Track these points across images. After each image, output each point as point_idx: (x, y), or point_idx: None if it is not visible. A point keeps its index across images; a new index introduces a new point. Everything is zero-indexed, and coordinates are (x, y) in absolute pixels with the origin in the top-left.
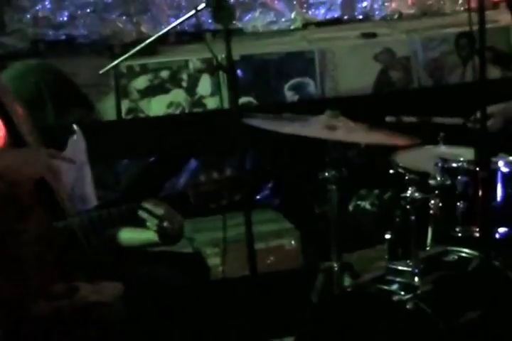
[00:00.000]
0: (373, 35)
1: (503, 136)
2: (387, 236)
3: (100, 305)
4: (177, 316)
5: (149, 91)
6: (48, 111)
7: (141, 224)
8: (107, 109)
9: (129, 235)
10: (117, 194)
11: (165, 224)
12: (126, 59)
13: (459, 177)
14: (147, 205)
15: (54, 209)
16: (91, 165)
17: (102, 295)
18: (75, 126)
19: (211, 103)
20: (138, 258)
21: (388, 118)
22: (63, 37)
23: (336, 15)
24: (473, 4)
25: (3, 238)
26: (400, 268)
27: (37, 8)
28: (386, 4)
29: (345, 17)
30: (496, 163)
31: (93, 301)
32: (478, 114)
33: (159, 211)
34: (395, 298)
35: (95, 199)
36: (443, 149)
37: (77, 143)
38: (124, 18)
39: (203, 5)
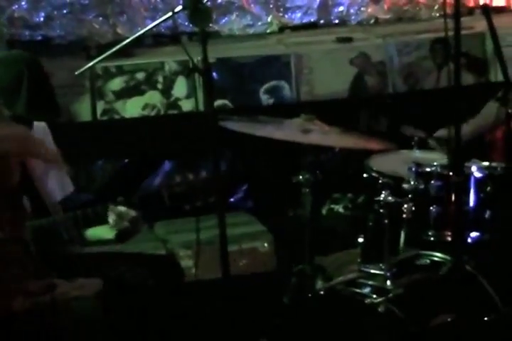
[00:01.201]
0: (349, 40)
1: (475, 142)
2: (360, 240)
3: (81, 300)
4: (150, 316)
5: (125, 93)
6: (20, 102)
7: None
8: (83, 110)
9: (90, 232)
10: (91, 194)
11: (126, 224)
12: (102, 60)
13: (433, 182)
14: (119, 207)
15: (37, 205)
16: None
17: (83, 291)
18: (42, 123)
19: (186, 105)
20: (112, 258)
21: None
22: (39, 37)
23: (312, 20)
24: (449, 10)
25: None
26: (372, 271)
27: (13, 8)
28: (362, 9)
29: (322, 21)
30: (469, 168)
31: (74, 296)
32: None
33: (128, 212)
34: (367, 301)
35: (72, 185)
36: (417, 154)
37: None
38: (101, 19)
39: (179, 7)
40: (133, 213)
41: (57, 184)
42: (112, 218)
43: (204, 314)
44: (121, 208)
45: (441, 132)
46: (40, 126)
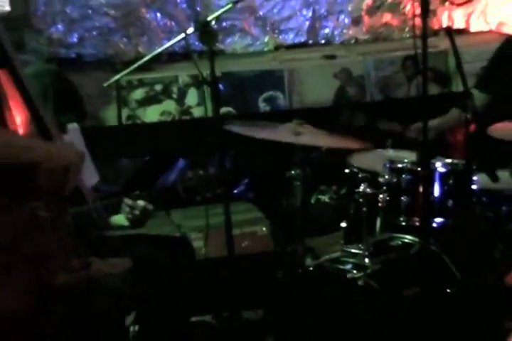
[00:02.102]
0: (333, 57)
1: (440, 142)
2: (343, 225)
3: (112, 276)
4: (167, 289)
5: (145, 102)
6: (48, 110)
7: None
8: (110, 116)
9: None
10: (117, 186)
11: (136, 212)
12: (126, 74)
13: (403, 176)
14: (129, 200)
15: (76, 197)
16: (97, 163)
17: (113, 268)
18: (75, 125)
19: (197, 112)
20: (137, 240)
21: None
22: (73, 55)
23: (302, 40)
24: (418, 32)
25: (32, 224)
26: (353, 251)
27: (51, 30)
28: (344, 31)
29: (310, 41)
30: (435, 164)
31: (106, 273)
32: (416, 125)
33: (139, 204)
34: (349, 275)
35: (97, 175)
36: (390, 152)
37: (74, 139)
38: (125, 40)
39: (191, 29)
40: (142, 203)
41: (87, 175)
42: (125, 209)
43: (212, 286)
44: (129, 201)
45: (416, 126)
46: (72, 129)
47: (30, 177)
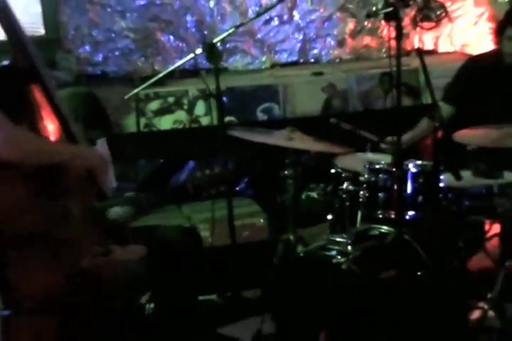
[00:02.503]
0: (321, 74)
1: (412, 147)
2: (329, 217)
3: (130, 261)
4: (178, 272)
5: (160, 112)
6: (79, 127)
7: None
8: (130, 124)
9: None
10: (136, 185)
11: None
12: (143, 88)
13: (380, 175)
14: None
15: (98, 194)
16: (118, 164)
17: (131, 254)
18: (102, 140)
19: (204, 121)
20: (152, 230)
21: (332, 120)
22: (99, 72)
23: (294, 59)
24: (393, 52)
25: (63, 217)
26: (337, 239)
27: (80, 51)
28: (330, 52)
29: (301, 60)
30: (407, 165)
31: (125, 258)
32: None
33: None
34: (334, 260)
35: (115, 181)
36: (369, 155)
37: (101, 149)
38: (143, 59)
39: (199, 50)
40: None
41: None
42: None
43: (216, 269)
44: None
45: (389, 138)
46: (100, 141)
47: (60, 177)
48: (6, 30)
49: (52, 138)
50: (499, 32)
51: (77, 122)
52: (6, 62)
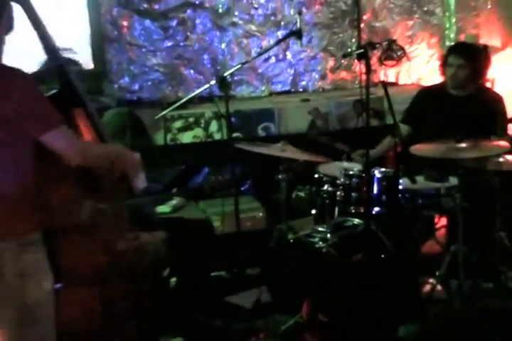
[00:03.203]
0: (308, 100)
1: (378, 159)
2: (313, 212)
3: (154, 244)
4: (195, 253)
5: (182, 129)
6: (127, 139)
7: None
8: (159, 138)
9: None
10: (163, 186)
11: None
12: (169, 111)
13: (353, 179)
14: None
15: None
16: (149, 170)
17: (154, 239)
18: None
19: (217, 136)
20: (174, 220)
21: (310, 132)
22: (135, 98)
23: (287, 89)
24: (363, 84)
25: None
26: (320, 229)
27: (121, 81)
28: (315, 83)
29: (292, 90)
30: (374, 171)
31: (149, 242)
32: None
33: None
34: (317, 245)
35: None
36: (345, 164)
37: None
38: (169, 88)
39: (213, 81)
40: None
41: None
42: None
43: (225, 251)
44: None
45: (359, 151)
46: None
47: (99, 176)
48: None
49: None
50: (443, 62)
51: (125, 135)
52: (54, 90)
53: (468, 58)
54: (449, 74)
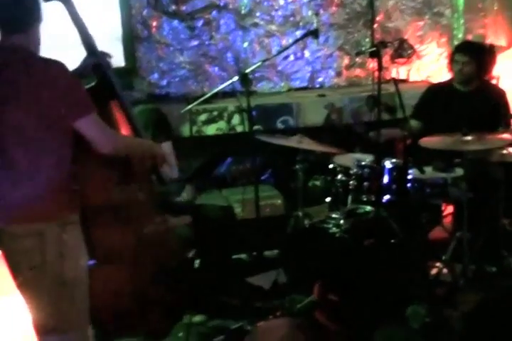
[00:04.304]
0: (324, 96)
1: (389, 149)
2: (328, 199)
3: (180, 227)
4: (218, 237)
5: (207, 122)
6: (149, 134)
7: None
8: (185, 130)
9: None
10: (189, 175)
11: None
12: (195, 105)
13: (365, 170)
14: None
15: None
16: (177, 159)
17: (181, 222)
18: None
19: (239, 129)
20: (199, 206)
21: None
22: (164, 93)
23: (305, 85)
24: (376, 80)
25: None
26: (334, 215)
27: (150, 77)
28: (331, 80)
29: (310, 86)
30: (385, 162)
31: (176, 225)
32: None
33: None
34: (331, 231)
35: (177, 172)
36: (358, 155)
37: (167, 148)
38: (195, 83)
39: (236, 78)
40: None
41: (170, 170)
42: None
43: (246, 235)
44: None
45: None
46: (166, 145)
47: (131, 165)
48: (99, 72)
49: None
50: (450, 59)
51: (147, 130)
52: (92, 84)
53: (472, 56)
54: (455, 70)
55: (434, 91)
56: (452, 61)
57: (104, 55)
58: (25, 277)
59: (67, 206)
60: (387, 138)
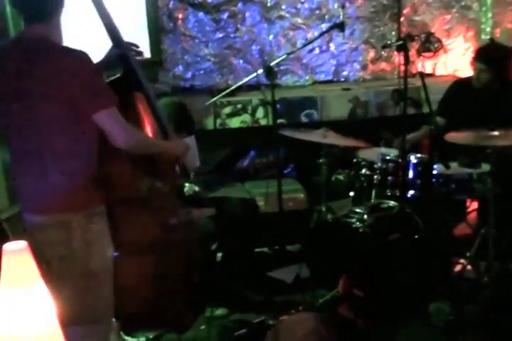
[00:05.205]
0: (349, 89)
1: (414, 145)
2: (351, 194)
3: (203, 219)
4: (240, 230)
5: (231, 115)
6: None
7: None
8: (209, 123)
9: None
10: (213, 167)
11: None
12: (219, 97)
13: (390, 164)
14: None
15: (183, 172)
16: (200, 152)
17: (204, 214)
18: (192, 136)
19: (263, 122)
20: (223, 199)
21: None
22: (188, 85)
23: (329, 78)
24: (402, 74)
25: (159, 187)
26: (357, 210)
27: (175, 70)
28: (356, 73)
29: (335, 79)
30: (410, 157)
31: (199, 216)
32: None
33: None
34: (354, 225)
35: (198, 162)
36: (382, 149)
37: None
38: (220, 76)
39: (261, 71)
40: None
41: (191, 162)
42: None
43: (269, 229)
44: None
45: (397, 140)
46: (189, 139)
47: (156, 161)
48: (124, 63)
49: (151, 134)
50: (472, 63)
51: (170, 124)
52: (118, 75)
53: (490, 64)
54: (474, 74)
55: (458, 87)
56: (473, 63)
57: (130, 46)
58: (52, 267)
59: (94, 197)
60: (412, 143)
